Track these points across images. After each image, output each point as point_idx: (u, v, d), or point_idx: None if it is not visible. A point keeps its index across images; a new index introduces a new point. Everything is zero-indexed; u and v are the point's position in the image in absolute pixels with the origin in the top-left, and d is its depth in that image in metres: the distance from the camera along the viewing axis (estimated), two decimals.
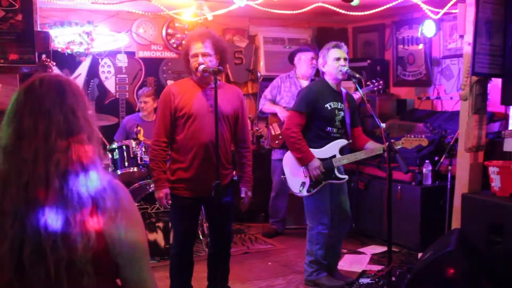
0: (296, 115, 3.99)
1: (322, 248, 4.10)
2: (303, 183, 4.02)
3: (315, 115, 3.97)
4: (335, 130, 4.01)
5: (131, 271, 1.47)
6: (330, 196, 4.07)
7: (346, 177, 4.06)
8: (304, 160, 3.96)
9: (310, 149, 3.96)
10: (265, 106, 5.43)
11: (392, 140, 3.47)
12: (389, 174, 3.38)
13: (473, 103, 3.96)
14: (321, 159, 3.97)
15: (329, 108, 3.97)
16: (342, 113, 4.02)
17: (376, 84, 5.45)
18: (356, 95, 4.69)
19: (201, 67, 3.26)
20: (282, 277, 4.41)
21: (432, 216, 4.79)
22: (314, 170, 3.92)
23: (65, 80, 1.48)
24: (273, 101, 5.39)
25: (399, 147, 3.80)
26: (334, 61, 3.94)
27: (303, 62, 5.29)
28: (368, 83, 5.35)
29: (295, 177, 4.07)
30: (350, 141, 4.06)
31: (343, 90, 4.11)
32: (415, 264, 4.19)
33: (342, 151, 4.02)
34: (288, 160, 4.11)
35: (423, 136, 3.99)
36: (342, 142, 4.02)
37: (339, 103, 4.01)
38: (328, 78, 4.03)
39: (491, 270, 3.50)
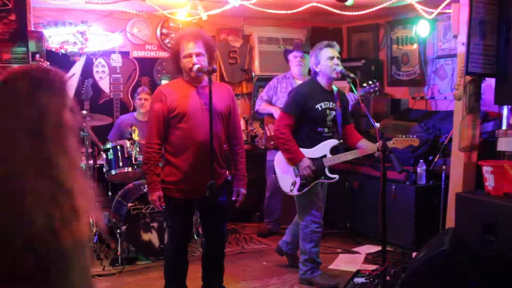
0: (285, 116, 4.00)
1: (317, 246, 4.13)
2: (294, 183, 4.04)
3: (306, 116, 3.98)
4: (326, 130, 4.02)
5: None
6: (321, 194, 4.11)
7: (337, 176, 4.06)
8: (293, 160, 3.98)
9: (301, 149, 3.97)
10: (261, 106, 5.41)
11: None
12: (383, 173, 3.39)
13: (467, 103, 3.98)
14: (312, 159, 3.98)
15: (320, 108, 3.97)
16: (333, 113, 4.02)
17: (372, 86, 5.36)
18: (351, 96, 4.68)
19: (196, 67, 3.24)
20: (277, 276, 4.41)
21: (426, 216, 4.80)
22: (304, 169, 3.94)
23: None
24: (269, 102, 5.38)
25: (390, 147, 3.80)
26: (327, 60, 3.94)
27: (291, 62, 5.31)
28: (364, 84, 5.31)
29: (286, 177, 4.09)
30: (341, 141, 4.07)
31: (335, 89, 4.11)
32: (410, 263, 4.20)
33: (333, 150, 4.03)
34: (279, 160, 4.12)
35: (415, 136, 4.00)
36: (333, 142, 4.03)
37: (331, 103, 4.02)
38: (320, 78, 4.03)
39: (485, 269, 3.51)
